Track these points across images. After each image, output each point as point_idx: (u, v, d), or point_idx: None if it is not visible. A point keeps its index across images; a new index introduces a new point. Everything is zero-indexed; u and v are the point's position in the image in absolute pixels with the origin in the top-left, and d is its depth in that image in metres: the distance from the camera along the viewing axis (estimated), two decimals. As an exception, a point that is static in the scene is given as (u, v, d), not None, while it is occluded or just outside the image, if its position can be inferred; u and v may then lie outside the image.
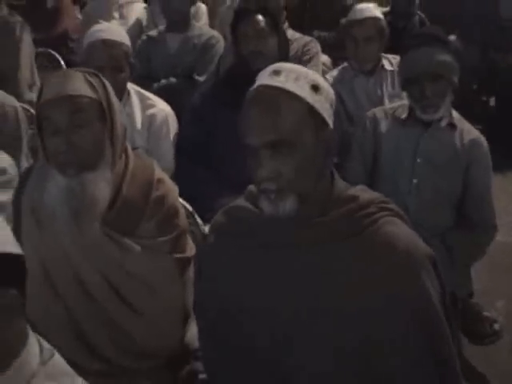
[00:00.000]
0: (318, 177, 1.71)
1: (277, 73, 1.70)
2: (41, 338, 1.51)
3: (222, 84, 3.25)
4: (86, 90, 2.01)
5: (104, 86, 2.08)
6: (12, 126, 3.00)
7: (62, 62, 4.82)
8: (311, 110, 1.66)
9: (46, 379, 1.48)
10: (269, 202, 1.67)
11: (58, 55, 4.87)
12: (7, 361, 1.41)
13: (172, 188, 2.19)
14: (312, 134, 1.66)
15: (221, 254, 1.84)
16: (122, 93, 3.06)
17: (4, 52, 4.13)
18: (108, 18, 5.48)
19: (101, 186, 2.00)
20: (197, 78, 4.14)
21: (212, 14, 5.34)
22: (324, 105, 1.69)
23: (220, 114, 3.08)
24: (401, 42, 3.02)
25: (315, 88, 1.68)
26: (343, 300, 1.67)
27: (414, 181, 2.86)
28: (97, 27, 3.21)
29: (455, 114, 2.94)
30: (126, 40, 3.14)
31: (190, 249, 2.20)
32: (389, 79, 3.74)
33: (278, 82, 1.67)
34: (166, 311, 2.11)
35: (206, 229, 2.42)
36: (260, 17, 3.18)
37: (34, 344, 1.50)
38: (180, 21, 4.28)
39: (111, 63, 3.02)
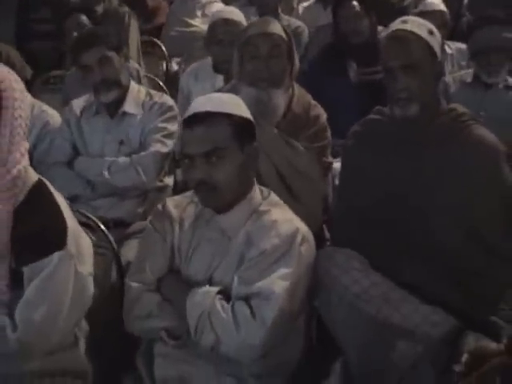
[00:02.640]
0: (433, 92, 2.53)
1: (404, 22, 2.53)
2: None
3: (327, 55, 4.13)
4: (280, 32, 2.90)
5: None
6: None
7: (164, 49, 5.64)
8: (428, 45, 2.48)
9: (267, 206, 2.31)
10: (400, 107, 2.48)
11: (159, 42, 5.71)
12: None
13: (322, 111, 3.02)
14: (431, 61, 2.48)
15: (361, 150, 2.64)
16: None
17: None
18: (191, 16, 6.30)
19: (280, 100, 2.83)
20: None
21: (289, 10, 6.13)
22: (435, 43, 2.51)
23: (325, 79, 3.91)
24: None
25: (430, 32, 2.51)
26: (452, 188, 2.44)
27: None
28: (220, 9, 4.08)
29: (510, 78, 3.77)
30: (242, 19, 3.99)
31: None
32: (449, 60, 4.55)
33: (406, 26, 2.50)
34: (316, 200, 2.88)
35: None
36: (355, 2, 4.06)
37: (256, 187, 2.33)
38: (270, 12, 5.07)
39: (230, 38, 3.84)
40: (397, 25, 2.54)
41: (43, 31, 6.92)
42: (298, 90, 3.03)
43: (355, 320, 2.36)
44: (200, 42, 5.75)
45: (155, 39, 5.77)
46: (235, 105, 2.27)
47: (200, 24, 6.23)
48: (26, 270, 2.14)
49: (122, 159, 3.24)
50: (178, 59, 5.85)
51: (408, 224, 2.48)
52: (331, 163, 3.08)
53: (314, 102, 3.05)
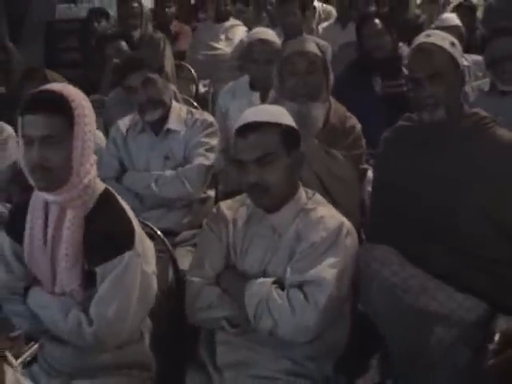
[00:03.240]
0: (457, 98, 2.77)
1: (428, 35, 2.78)
2: None
3: (353, 71, 4.41)
4: (315, 50, 3.19)
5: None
6: None
7: (193, 71, 5.92)
8: (451, 56, 2.72)
9: (313, 204, 2.54)
10: (428, 112, 2.72)
11: (189, 65, 5.99)
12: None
13: (357, 122, 3.28)
14: (454, 70, 2.73)
15: (393, 154, 2.87)
16: None
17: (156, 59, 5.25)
18: (216, 40, 6.61)
19: (319, 112, 3.09)
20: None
21: (309, 31, 6.39)
22: (457, 53, 2.75)
23: (352, 93, 4.15)
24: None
25: (452, 44, 2.75)
26: (478, 182, 2.67)
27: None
28: (255, 30, 4.36)
29: (525, 86, 4.00)
30: (276, 40, 4.25)
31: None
32: (466, 71, 4.79)
33: (430, 40, 2.74)
34: (353, 203, 3.10)
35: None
36: (377, 20, 4.33)
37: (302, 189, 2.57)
38: (295, 33, 5.31)
39: (266, 57, 4.11)
40: (422, 38, 2.79)
41: (70, 59, 7.25)
42: (334, 102, 3.30)
43: (395, 308, 2.58)
44: (226, 64, 6.08)
45: (184, 62, 6.03)
46: (282, 115, 2.52)
47: (224, 47, 6.55)
48: (98, 269, 2.38)
49: (169, 172, 3.49)
50: (205, 81, 6.13)
51: (438, 220, 2.71)
52: (367, 169, 3.32)
53: (348, 114, 3.32)
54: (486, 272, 2.64)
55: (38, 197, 2.48)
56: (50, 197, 2.41)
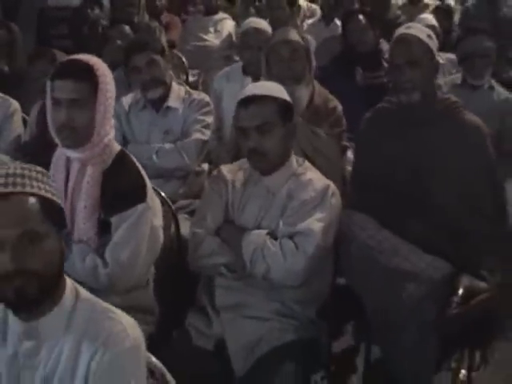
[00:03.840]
0: (431, 84, 3.13)
1: (408, 27, 3.14)
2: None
3: (337, 62, 4.83)
4: (298, 38, 3.56)
5: None
6: None
7: (185, 60, 6.24)
8: (427, 46, 3.08)
9: (303, 169, 2.88)
10: (405, 95, 3.07)
11: (180, 54, 6.31)
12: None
13: (338, 103, 3.66)
14: (430, 59, 3.08)
15: (373, 131, 3.23)
16: None
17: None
18: (205, 31, 6.93)
19: (303, 94, 3.44)
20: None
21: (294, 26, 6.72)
22: (433, 45, 3.11)
23: (336, 83, 4.49)
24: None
25: (429, 36, 3.11)
26: (448, 159, 3.03)
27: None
28: (250, 20, 4.71)
29: (492, 80, 4.38)
30: (269, 29, 4.60)
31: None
32: (440, 68, 5.15)
33: (410, 31, 3.10)
34: (335, 175, 3.34)
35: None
36: (361, 16, 4.70)
37: (293, 156, 2.91)
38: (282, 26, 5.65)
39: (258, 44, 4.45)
40: (403, 30, 3.16)
41: (62, 46, 7.49)
42: (317, 85, 3.65)
43: (371, 268, 2.93)
44: (215, 55, 6.42)
45: (176, 51, 6.34)
46: (279, 90, 2.88)
47: (213, 39, 6.88)
48: (114, 219, 2.71)
49: (168, 145, 3.82)
50: (193, 71, 6.44)
51: (412, 190, 3.05)
52: (347, 146, 3.69)
53: (331, 96, 3.69)
54: (453, 238, 2.99)
55: (61, 154, 2.81)
56: (73, 154, 2.74)
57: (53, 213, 1.90)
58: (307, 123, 3.46)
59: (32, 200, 1.86)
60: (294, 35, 3.64)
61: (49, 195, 1.90)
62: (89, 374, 1.88)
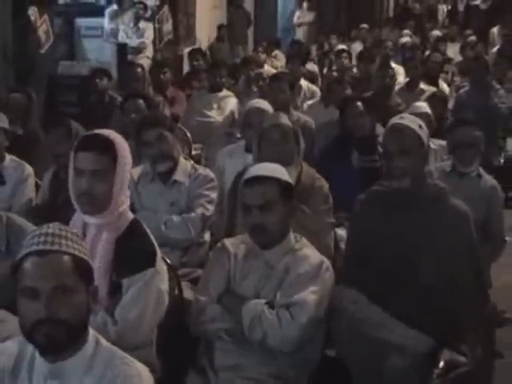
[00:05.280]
0: (421, 171, 3.39)
1: (401, 117, 3.44)
2: None
3: (334, 146, 5.18)
4: (287, 122, 3.90)
5: None
6: None
7: (189, 134, 6.53)
8: (418, 136, 3.34)
9: (300, 245, 3.13)
10: (396, 180, 3.33)
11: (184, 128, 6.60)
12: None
13: (325, 182, 3.92)
14: (420, 148, 3.35)
15: (365, 213, 3.48)
16: None
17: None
18: (209, 108, 7.29)
19: (292, 174, 3.57)
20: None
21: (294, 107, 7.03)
22: (424, 134, 3.37)
23: (333, 165, 4.84)
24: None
25: (420, 126, 3.38)
26: (433, 242, 3.29)
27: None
28: (253, 100, 5.03)
29: (480, 169, 4.66)
30: (270, 109, 4.90)
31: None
32: (433, 154, 5.45)
33: (403, 121, 3.38)
34: (322, 251, 3.62)
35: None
36: (359, 102, 5.02)
37: (291, 233, 3.16)
38: (283, 109, 5.88)
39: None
40: (396, 119, 3.45)
41: (70, 112, 7.80)
42: (305, 166, 3.96)
43: (359, 339, 3.17)
44: (217, 131, 6.71)
45: (180, 125, 6.64)
46: (282, 172, 3.15)
47: (216, 116, 7.21)
48: (125, 281, 2.94)
49: (176, 217, 4.06)
50: (195, 145, 6.72)
51: (399, 270, 3.29)
52: (334, 223, 3.95)
53: (317, 175, 3.99)
54: (435, 315, 3.21)
55: (78, 219, 3.05)
56: (90, 219, 2.98)
57: (83, 270, 2.20)
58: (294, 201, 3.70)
59: (66, 258, 2.16)
60: (284, 119, 3.94)
61: (81, 255, 2.17)
62: None
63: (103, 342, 2.27)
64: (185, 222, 4.05)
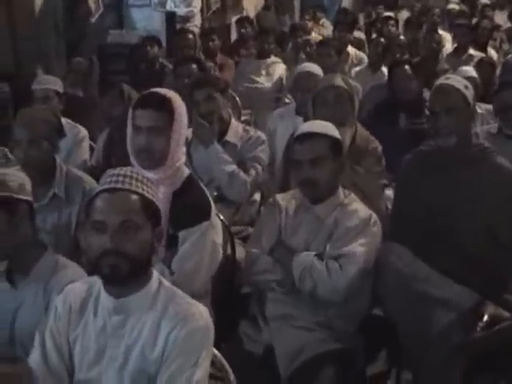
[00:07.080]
0: (467, 130, 3.46)
1: (447, 78, 3.50)
2: None
3: (382, 108, 5.27)
4: (342, 83, 3.97)
5: None
6: None
7: (238, 100, 6.63)
8: (464, 95, 3.40)
9: (349, 200, 3.23)
10: (442, 139, 3.40)
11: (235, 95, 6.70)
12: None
13: (378, 144, 4.00)
14: (466, 107, 3.41)
15: (412, 172, 3.56)
16: None
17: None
18: (257, 74, 7.36)
19: (346, 135, 3.75)
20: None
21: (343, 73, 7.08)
22: (469, 94, 3.42)
23: (381, 128, 4.80)
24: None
25: (466, 86, 3.44)
26: (478, 198, 3.36)
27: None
28: (304, 64, 5.12)
29: (526, 131, 4.71)
30: (320, 73, 4.97)
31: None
32: (479, 118, 5.49)
33: (448, 81, 3.45)
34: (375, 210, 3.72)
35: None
36: (407, 66, 5.11)
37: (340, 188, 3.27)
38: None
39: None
40: (442, 80, 3.52)
41: (119, 81, 7.91)
42: (359, 127, 4.02)
43: (405, 294, 3.22)
44: (265, 96, 6.81)
45: (231, 91, 6.72)
46: (331, 129, 3.25)
47: (264, 82, 7.28)
48: (181, 234, 3.07)
49: (242, 175, 4.13)
50: (244, 111, 6.82)
51: (444, 227, 3.39)
52: (385, 184, 4.03)
53: (372, 137, 4.06)
54: (480, 271, 3.31)
55: (136, 176, 3.18)
56: (148, 174, 3.07)
57: (151, 210, 2.34)
58: (348, 161, 3.80)
59: (135, 197, 2.32)
60: (339, 81, 4.02)
61: (150, 196, 2.32)
62: (167, 343, 2.29)
63: (166, 282, 2.41)
64: (246, 181, 4.13)
